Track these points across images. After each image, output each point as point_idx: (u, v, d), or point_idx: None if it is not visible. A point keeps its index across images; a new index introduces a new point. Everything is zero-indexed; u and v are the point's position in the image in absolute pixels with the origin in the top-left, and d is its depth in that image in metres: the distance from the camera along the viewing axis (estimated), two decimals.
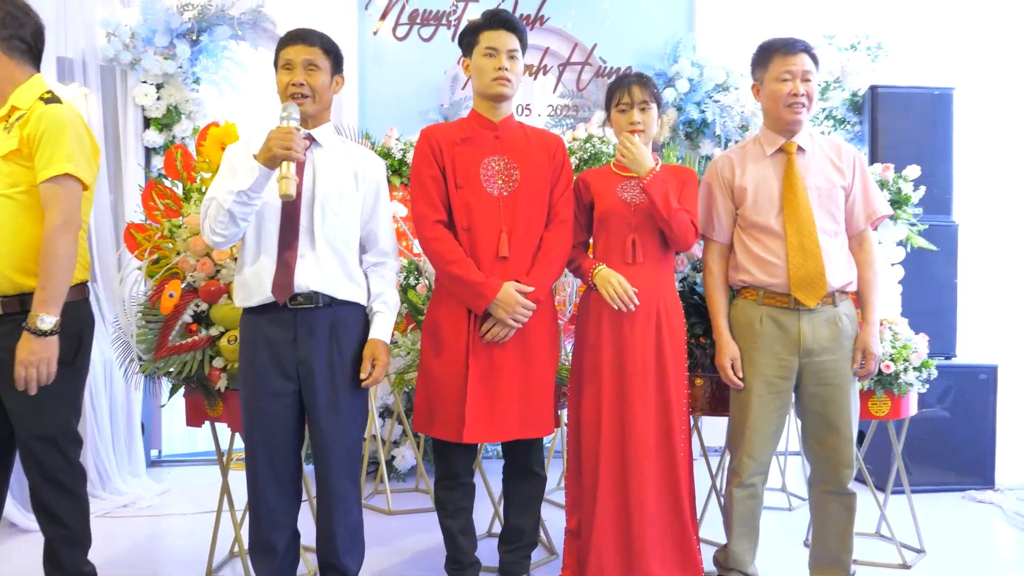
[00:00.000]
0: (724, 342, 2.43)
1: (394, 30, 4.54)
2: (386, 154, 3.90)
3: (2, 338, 2.06)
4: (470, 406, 2.29)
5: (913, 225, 3.03)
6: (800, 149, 2.39)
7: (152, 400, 4.04)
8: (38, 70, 2.21)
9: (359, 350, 2.24)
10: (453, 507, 2.46)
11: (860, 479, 2.86)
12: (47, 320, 2.01)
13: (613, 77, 4.61)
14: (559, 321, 2.72)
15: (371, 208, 2.30)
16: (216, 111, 4.20)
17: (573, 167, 2.91)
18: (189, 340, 2.58)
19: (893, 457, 3.04)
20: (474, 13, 4.59)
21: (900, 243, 3.03)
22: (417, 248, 3.36)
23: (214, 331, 2.60)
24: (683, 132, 4.47)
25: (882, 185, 2.99)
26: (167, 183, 2.83)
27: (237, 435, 2.70)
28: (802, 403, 2.42)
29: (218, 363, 2.58)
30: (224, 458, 2.75)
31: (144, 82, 3.95)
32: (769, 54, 2.38)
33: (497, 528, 3.16)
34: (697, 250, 2.85)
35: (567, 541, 2.58)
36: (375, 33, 4.52)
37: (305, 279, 2.14)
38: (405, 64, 4.53)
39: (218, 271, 2.62)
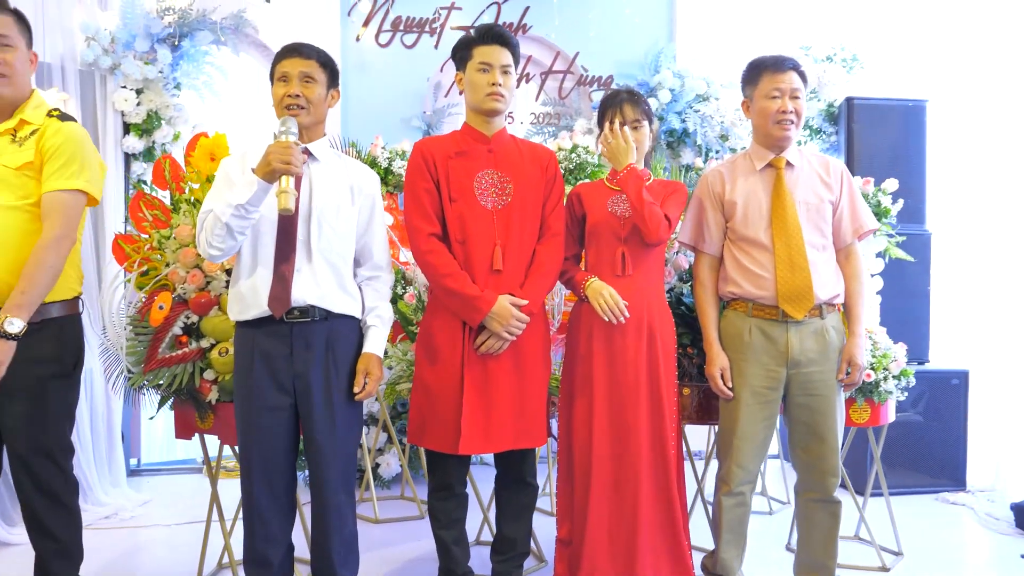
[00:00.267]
0: (714, 353, 2.47)
1: (377, 37, 4.54)
2: (372, 162, 3.90)
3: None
4: (466, 418, 2.31)
5: (891, 237, 3.11)
6: (789, 164, 2.45)
7: (131, 409, 4.00)
8: None
9: (354, 363, 2.25)
10: (447, 518, 2.48)
11: (840, 483, 2.92)
12: (17, 324, 1.99)
13: (595, 86, 4.68)
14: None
15: (366, 222, 2.31)
16: (197, 116, 4.17)
17: None
18: (179, 352, 2.56)
19: (870, 461, 3.11)
20: (457, 20, 4.62)
21: (879, 254, 3.11)
22: (404, 257, 3.37)
23: (205, 343, 2.58)
24: (664, 142, 4.53)
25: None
26: (146, 188, 2.81)
27: (223, 444, 2.70)
28: (789, 413, 2.48)
29: (209, 375, 2.57)
30: (213, 469, 2.74)
31: (124, 87, 3.91)
32: (759, 72, 2.43)
33: (486, 535, 3.19)
34: (683, 261, 2.90)
35: (558, 550, 2.61)
36: (358, 39, 4.52)
37: (302, 293, 2.14)
38: (388, 71, 4.54)
39: (208, 283, 2.61)
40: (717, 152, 4.42)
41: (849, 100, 4.17)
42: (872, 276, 3.05)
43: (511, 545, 2.55)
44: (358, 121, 4.41)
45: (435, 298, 2.44)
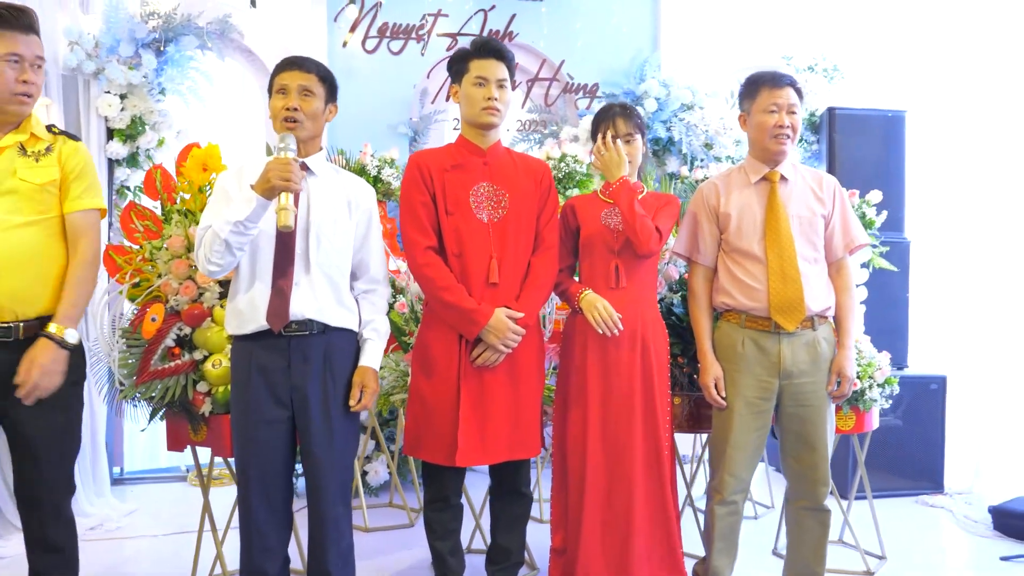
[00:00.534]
0: (708, 363, 2.51)
1: (363, 43, 4.53)
2: (361, 171, 3.89)
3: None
4: (462, 430, 2.33)
5: (875, 247, 3.17)
6: (783, 178, 2.49)
7: (115, 417, 3.96)
8: None
9: (351, 376, 2.26)
10: (443, 529, 2.49)
11: None
12: (74, 335, 2.09)
13: (581, 94, 4.71)
14: None
15: (363, 236, 2.32)
16: (182, 122, 4.13)
17: None
18: (172, 364, 2.55)
19: (852, 466, 3.18)
20: (443, 27, 4.62)
21: (864, 265, 3.18)
22: (394, 265, 3.38)
23: (198, 355, 2.57)
24: (650, 150, 4.58)
25: None
26: (131, 195, 2.80)
27: (215, 456, 2.68)
28: (781, 422, 2.52)
29: (202, 387, 2.56)
30: (205, 479, 2.72)
31: (108, 92, 3.86)
32: (757, 87, 2.48)
33: (478, 543, 3.20)
34: (674, 271, 2.94)
35: (552, 559, 2.64)
36: (344, 45, 4.50)
37: (300, 307, 2.15)
38: (374, 77, 4.52)
39: (201, 294, 2.60)
40: (702, 160, 4.47)
41: (831, 110, 4.24)
42: (857, 286, 3.11)
43: (506, 555, 2.57)
44: (344, 128, 4.37)
45: (431, 311, 2.45)
